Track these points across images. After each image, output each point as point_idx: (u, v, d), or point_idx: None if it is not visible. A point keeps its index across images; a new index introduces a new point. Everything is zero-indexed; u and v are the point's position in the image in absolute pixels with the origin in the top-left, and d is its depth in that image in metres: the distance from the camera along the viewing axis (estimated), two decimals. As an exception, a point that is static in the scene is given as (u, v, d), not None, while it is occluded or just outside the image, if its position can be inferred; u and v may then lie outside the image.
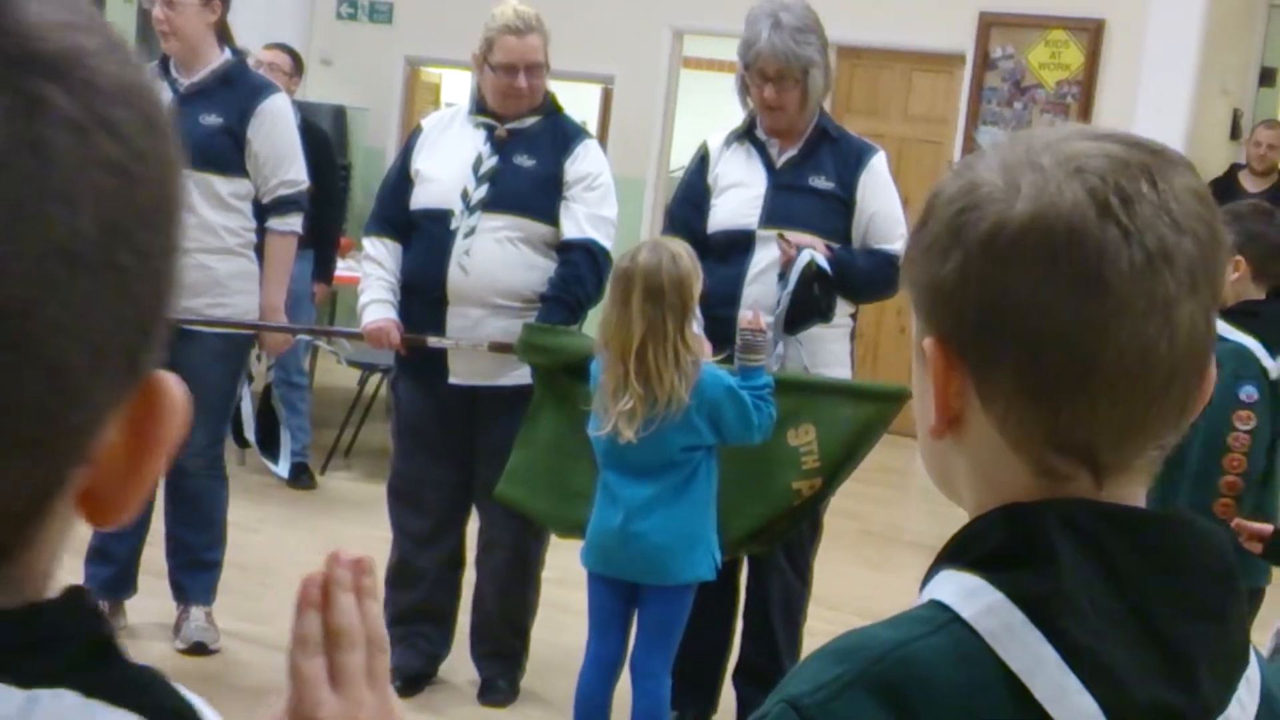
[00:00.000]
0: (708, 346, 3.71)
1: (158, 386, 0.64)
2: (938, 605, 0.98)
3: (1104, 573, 0.96)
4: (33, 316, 0.56)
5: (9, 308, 0.56)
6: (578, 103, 9.88)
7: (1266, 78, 9.25)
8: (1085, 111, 9.01)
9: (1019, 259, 0.97)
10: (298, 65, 7.23)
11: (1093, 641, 0.95)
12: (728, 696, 4.38)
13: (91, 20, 0.60)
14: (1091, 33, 8.99)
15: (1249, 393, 3.63)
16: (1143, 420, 0.99)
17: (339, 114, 10.15)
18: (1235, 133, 9.14)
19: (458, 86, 11.29)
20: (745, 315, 3.76)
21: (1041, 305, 0.96)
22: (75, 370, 0.58)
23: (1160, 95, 8.12)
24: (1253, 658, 1.02)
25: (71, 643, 0.63)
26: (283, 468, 5.21)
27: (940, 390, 1.03)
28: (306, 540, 5.91)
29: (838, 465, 4.02)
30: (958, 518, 1.01)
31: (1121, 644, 0.95)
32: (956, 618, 0.96)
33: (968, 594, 0.97)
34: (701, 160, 4.36)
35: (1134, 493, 1.03)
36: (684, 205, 4.36)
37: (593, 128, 11.06)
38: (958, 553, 1.01)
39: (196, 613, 4.70)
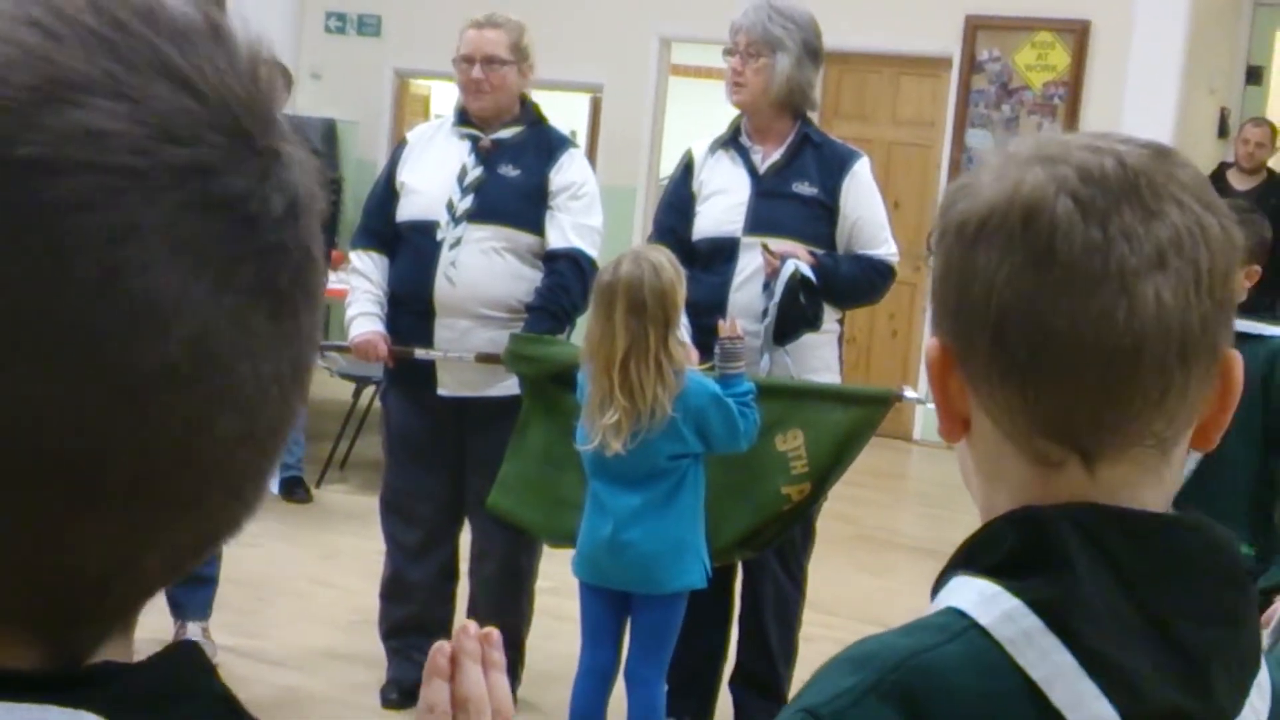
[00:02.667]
0: (694, 354, 3.72)
1: None
2: (954, 612, 0.98)
3: (1116, 577, 0.96)
4: (238, 365, 0.59)
5: (217, 353, 0.58)
6: (566, 112, 9.93)
7: (1253, 76, 9.28)
8: (1072, 113, 9.03)
9: (983, 242, 0.99)
10: (287, 79, 7.24)
11: (1109, 647, 0.95)
12: (724, 703, 4.38)
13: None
14: (1077, 34, 9.02)
15: None
16: (1115, 397, 0.98)
17: (329, 127, 10.16)
18: (1223, 131, 9.17)
19: (447, 98, 11.28)
20: (723, 324, 3.77)
21: (999, 284, 0.98)
22: (269, 417, 0.61)
23: (1147, 95, 8.15)
24: (1263, 661, 1.02)
25: (197, 697, 0.65)
26: (272, 483, 5.21)
27: (940, 389, 1.04)
28: (303, 554, 5.91)
29: (826, 469, 4.02)
30: (951, 521, 1.02)
31: (1136, 649, 0.95)
32: (974, 624, 0.96)
33: (985, 600, 0.97)
34: (686, 168, 4.37)
35: (1140, 494, 1.01)
36: (669, 212, 4.37)
37: (582, 137, 11.09)
38: (970, 558, 1.01)
39: (193, 628, 4.70)
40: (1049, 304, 0.97)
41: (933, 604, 1.01)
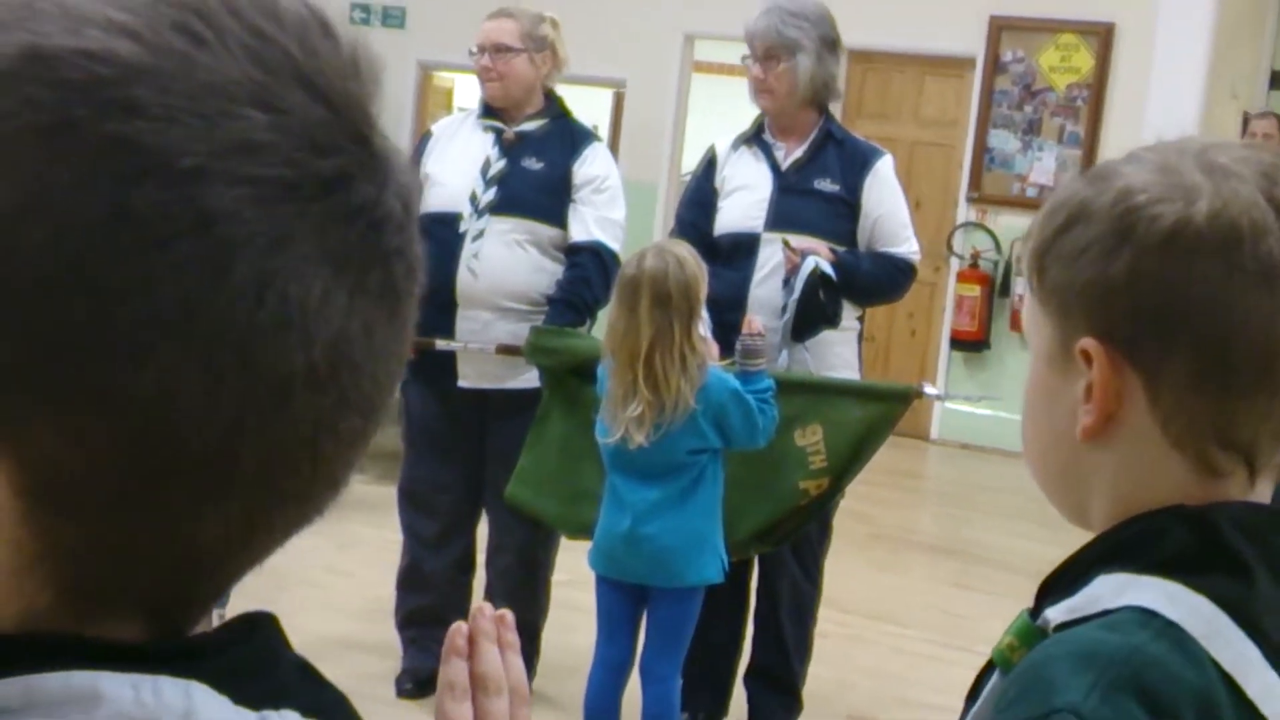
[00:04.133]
0: (715, 349, 3.73)
1: None
2: (1142, 610, 1.00)
3: (1273, 573, 1.01)
4: (365, 366, 0.62)
5: (350, 356, 0.61)
6: (590, 107, 9.92)
7: (1277, 80, 9.25)
8: (1095, 115, 9.01)
9: (1202, 255, 1.00)
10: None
11: None
12: (739, 698, 4.39)
13: None
14: (1101, 36, 9.00)
15: None
16: None
17: (351, 118, 10.15)
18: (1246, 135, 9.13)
19: (470, 91, 11.30)
20: (753, 319, 3.78)
21: (1224, 301, 0.99)
22: (377, 412, 0.64)
23: (1170, 98, 8.12)
24: None
25: (282, 665, 0.67)
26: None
27: (1102, 390, 1.04)
28: (320, 542, 5.93)
29: (845, 465, 4.02)
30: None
31: None
32: (1168, 622, 0.99)
33: (1170, 599, 0.99)
34: (709, 163, 4.38)
35: (1268, 490, 1.06)
36: (692, 207, 4.38)
37: (604, 132, 11.07)
38: (1122, 554, 1.03)
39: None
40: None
41: (1060, 603, 1.03)
